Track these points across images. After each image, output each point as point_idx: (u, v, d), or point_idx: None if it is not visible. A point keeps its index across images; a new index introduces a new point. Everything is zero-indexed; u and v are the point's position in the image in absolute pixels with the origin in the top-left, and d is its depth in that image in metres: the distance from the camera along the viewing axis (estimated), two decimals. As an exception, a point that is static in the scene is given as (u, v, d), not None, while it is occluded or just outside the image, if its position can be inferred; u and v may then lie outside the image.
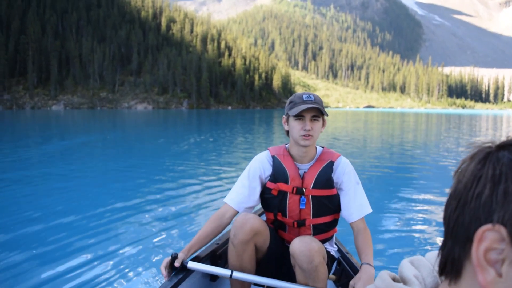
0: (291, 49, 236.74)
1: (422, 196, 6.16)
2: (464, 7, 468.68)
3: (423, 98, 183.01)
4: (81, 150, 13.37)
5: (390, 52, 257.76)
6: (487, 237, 0.42)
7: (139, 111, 77.96)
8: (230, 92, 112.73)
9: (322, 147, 2.39)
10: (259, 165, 2.34)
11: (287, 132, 2.29)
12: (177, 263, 2.03)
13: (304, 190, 2.23)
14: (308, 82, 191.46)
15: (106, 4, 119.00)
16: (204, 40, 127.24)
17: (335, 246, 2.54)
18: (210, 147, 13.39)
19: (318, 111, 2.15)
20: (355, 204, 2.28)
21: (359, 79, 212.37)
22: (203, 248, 2.31)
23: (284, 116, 2.27)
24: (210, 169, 8.74)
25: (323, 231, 2.33)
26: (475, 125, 32.08)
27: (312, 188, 2.23)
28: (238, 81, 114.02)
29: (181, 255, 2.08)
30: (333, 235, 2.45)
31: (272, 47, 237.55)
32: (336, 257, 2.47)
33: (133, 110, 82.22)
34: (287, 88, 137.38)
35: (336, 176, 2.26)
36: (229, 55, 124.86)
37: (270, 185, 2.30)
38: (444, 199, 6.26)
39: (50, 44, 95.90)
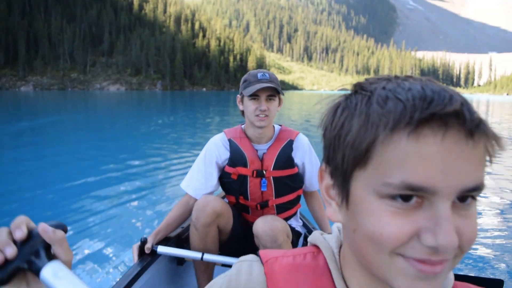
0: (266, 31, 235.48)
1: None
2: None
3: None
4: (50, 130, 13.12)
5: (365, 36, 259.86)
6: (324, 176, 0.51)
7: (112, 92, 76.66)
8: (204, 74, 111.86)
9: (280, 125, 2.32)
10: (215, 149, 2.24)
11: (242, 113, 2.19)
12: (147, 249, 1.98)
13: (264, 172, 2.15)
14: (283, 64, 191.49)
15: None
16: (177, 20, 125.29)
17: (300, 221, 2.49)
18: (180, 129, 13.35)
19: (273, 90, 2.05)
20: (316, 178, 2.23)
21: (334, 62, 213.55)
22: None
23: (238, 95, 2.16)
24: (177, 150, 8.70)
25: (287, 209, 2.29)
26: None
27: (273, 169, 2.14)
28: (213, 62, 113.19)
29: (149, 239, 2.02)
30: (297, 211, 2.41)
31: (247, 28, 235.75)
32: (302, 232, 2.43)
33: (106, 92, 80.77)
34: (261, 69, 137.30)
35: (296, 156, 2.19)
36: (204, 36, 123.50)
37: (229, 169, 2.20)
38: None
39: (17, 23, 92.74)
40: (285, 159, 2.14)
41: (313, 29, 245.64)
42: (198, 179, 2.22)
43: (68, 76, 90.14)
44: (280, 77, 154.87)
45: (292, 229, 2.25)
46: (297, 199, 2.29)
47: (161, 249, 1.99)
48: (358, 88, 0.47)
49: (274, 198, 2.19)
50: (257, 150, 2.18)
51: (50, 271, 0.61)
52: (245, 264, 0.61)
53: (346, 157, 0.47)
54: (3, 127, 13.45)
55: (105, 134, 11.89)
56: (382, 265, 0.48)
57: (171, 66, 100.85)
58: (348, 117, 0.46)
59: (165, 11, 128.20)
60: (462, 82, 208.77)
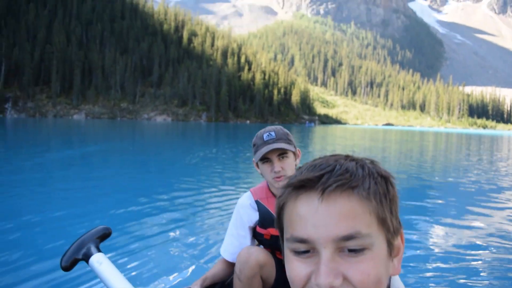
0: (311, 65, 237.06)
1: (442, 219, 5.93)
2: (486, 26, 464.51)
3: (443, 117, 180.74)
4: (98, 156, 13.56)
5: (410, 70, 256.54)
6: None
7: (158, 122, 78.67)
8: (248, 106, 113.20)
9: None
10: (244, 213, 2.26)
11: (262, 175, 2.20)
12: None
13: None
14: (327, 98, 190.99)
15: (130, 16, 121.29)
16: (224, 54, 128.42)
17: None
18: (221, 162, 13.32)
19: (283, 149, 2.05)
20: None
21: (378, 96, 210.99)
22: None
23: (253, 159, 2.17)
24: (218, 185, 8.64)
25: None
26: (496, 146, 31.48)
27: None
28: (257, 95, 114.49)
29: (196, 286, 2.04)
30: None
31: (292, 62, 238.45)
32: None
33: (153, 122, 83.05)
34: (305, 103, 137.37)
35: None
36: (249, 69, 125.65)
37: (261, 230, 2.23)
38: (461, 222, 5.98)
39: (74, 54, 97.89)
40: None
41: (357, 63, 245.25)
42: (232, 243, 2.25)
43: (118, 106, 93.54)
44: (323, 111, 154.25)
45: None
46: None
47: None
48: None
49: None
50: None
51: (96, 259, 1.15)
52: None
53: (277, 225, 0.73)
54: (57, 152, 13.96)
55: (149, 163, 12.08)
56: None
57: (217, 98, 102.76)
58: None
59: (212, 45, 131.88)
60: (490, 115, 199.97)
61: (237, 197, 6.49)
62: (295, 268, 0.65)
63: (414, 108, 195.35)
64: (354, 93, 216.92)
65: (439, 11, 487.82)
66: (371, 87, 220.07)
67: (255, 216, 2.24)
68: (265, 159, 2.09)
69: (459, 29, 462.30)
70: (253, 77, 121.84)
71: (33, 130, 34.14)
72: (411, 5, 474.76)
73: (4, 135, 25.38)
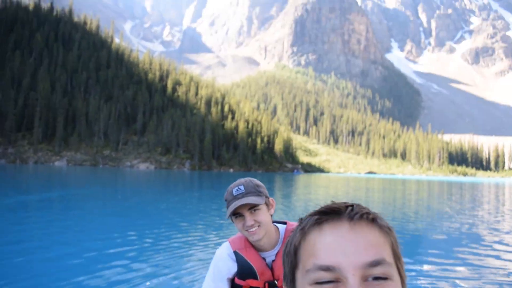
0: (293, 114, 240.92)
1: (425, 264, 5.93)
2: (461, 76, 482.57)
3: (424, 165, 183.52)
4: (74, 202, 13.48)
5: (390, 119, 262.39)
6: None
7: (141, 170, 78.09)
8: (232, 155, 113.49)
9: (285, 223, 2.28)
10: (223, 264, 2.20)
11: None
12: None
13: (276, 282, 2.09)
14: (309, 146, 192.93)
15: (115, 65, 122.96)
16: (208, 103, 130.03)
17: None
18: (204, 209, 13.34)
19: (253, 204, 2.03)
20: None
21: (360, 144, 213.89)
22: None
23: (227, 216, 2.15)
24: (201, 229, 8.69)
25: None
26: (476, 193, 32.05)
27: None
28: (241, 144, 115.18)
29: None
30: None
31: (275, 111, 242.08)
32: None
33: (135, 169, 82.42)
34: (288, 152, 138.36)
35: None
36: (232, 118, 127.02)
37: (239, 281, 2.17)
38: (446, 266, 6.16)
39: (58, 101, 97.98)
40: None
41: (339, 112, 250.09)
42: None
43: (101, 153, 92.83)
44: (306, 159, 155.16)
45: None
46: None
47: None
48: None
49: None
50: (265, 259, 2.12)
51: None
52: None
53: (288, 265, 0.73)
54: (35, 196, 13.87)
55: (129, 208, 12.06)
56: None
57: (200, 146, 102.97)
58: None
59: (196, 94, 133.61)
60: (492, 165, 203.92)
61: (215, 247, 6.53)
62: None
63: (395, 156, 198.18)
64: (336, 141, 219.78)
65: (415, 62, 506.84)
66: (353, 135, 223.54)
67: (233, 267, 2.18)
68: (236, 214, 2.06)
69: (435, 79, 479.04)
70: (237, 126, 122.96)
71: (13, 176, 33.60)
72: (388, 56, 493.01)
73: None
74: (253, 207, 2.05)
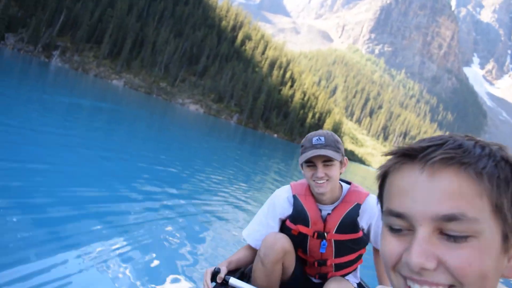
0: (351, 99, 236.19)
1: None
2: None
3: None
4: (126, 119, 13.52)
5: (447, 133, 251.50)
6: None
7: (190, 110, 79.32)
8: (280, 121, 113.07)
9: (349, 183, 2.26)
10: (279, 204, 2.24)
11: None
12: (219, 278, 1.98)
13: (326, 234, 2.11)
14: (357, 135, 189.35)
15: (193, 4, 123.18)
16: (272, 64, 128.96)
17: (358, 277, 2.41)
18: (247, 168, 13.11)
19: (330, 157, 2.01)
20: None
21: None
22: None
23: (299, 162, 2.12)
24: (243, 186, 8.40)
25: (346, 267, 2.25)
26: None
27: (335, 232, 2.10)
28: (292, 113, 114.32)
29: (223, 269, 2.01)
30: (357, 267, 2.35)
31: (334, 91, 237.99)
32: None
33: (185, 108, 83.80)
34: (336, 134, 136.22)
35: (363, 220, 2.13)
36: (291, 86, 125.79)
37: (290, 224, 2.19)
38: None
39: (131, 24, 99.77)
40: (350, 223, 2.10)
41: (397, 111, 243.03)
42: (259, 230, 2.25)
43: (157, 84, 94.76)
44: (351, 147, 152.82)
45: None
46: (358, 257, 2.27)
47: (232, 281, 1.97)
48: None
49: (333, 258, 2.17)
50: (321, 210, 2.15)
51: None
52: None
53: (380, 200, 0.69)
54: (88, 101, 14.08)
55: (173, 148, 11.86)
56: (392, 282, 0.61)
57: (252, 104, 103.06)
58: None
59: (263, 53, 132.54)
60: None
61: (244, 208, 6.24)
62: (388, 244, 0.61)
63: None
64: (385, 138, 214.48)
65: (491, 83, 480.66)
66: (404, 137, 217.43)
67: (288, 210, 2.22)
68: (309, 162, 2.05)
69: (507, 106, 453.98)
70: (293, 95, 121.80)
71: (76, 81, 34.77)
72: (465, 69, 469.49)
73: (48, 78, 25.94)
74: (327, 160, 2.03)
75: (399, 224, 0.60)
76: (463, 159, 0.56)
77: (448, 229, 0.55)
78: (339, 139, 2.15)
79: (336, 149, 2.06)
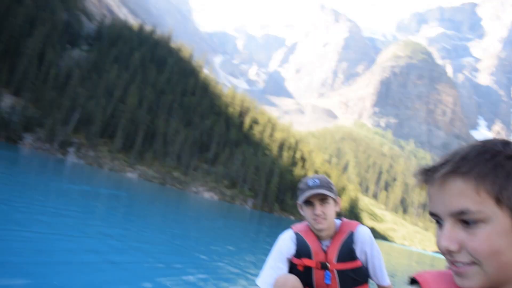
0: (364, 174, 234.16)
1: None
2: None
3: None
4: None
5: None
6: None
7: (204, 198, 78.08)
8: (295, 203, 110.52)
9: (340, 219, 2.51)
10: (284, 244, 2.42)
11: (305, 217, 2.45)
12: None
13: (328, 265, 2.32)
14: (376, 211, 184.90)
15: (200, 94, 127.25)
16: (281, 146, 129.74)
17: None
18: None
19: (325, 195, 2.32)
20: (382, 271, 2.40)
21: (431, 221, 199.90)
22: None
23: (298, 202, 2.45)
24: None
25: None
26: None
27: (336, 262, 2.32)
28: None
29: None
30: None
31: (346, 168, 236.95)
32: None
33: (199, 196, 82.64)
34: (353, 212, 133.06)
35: (358, 247, 2.37)
36: (303, 166, 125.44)
37: (296, 260, 2.40)
38: None
39: (142, 117, 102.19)
40: (348, 251, 2.33)
41: (412, 182, 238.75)
42: (271, 275, 2.37)
43: (170, 174, 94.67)
44: (371, 223, 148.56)
45: None
46: None
47: None
48: None
49: None
50: (321, 243, 2.40)
51: None
52: None
53: None
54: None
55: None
56: (449, 266, 0.89)
57: (266, 188, 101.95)
58: None
59: (271, 135, 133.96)
60: None
61: None
62: (436, 235, 0.89)
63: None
64: (405, 211, 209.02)
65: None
66: (424, 209, 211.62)
67: (292, 249, 2.43)
68: (308, 202, 2.35)
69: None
70: (305, 175, 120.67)
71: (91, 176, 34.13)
72: (473, 133, 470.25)
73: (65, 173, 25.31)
74: (323, 199, 2.32)
75: (436, 219, 0.89)
76: (463, 169, 0.81)
77: (464, 218, 0.81)
78: (331, 181, 2.45)
79: (330, 189, 2.35)
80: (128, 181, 50.78)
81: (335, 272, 2.28)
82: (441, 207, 0.85)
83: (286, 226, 44.83)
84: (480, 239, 0.78)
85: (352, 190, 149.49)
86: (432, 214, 0.90)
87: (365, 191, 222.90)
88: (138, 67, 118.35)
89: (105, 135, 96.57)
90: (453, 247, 0.81)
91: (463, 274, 0.81)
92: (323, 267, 2.28)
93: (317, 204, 2.27)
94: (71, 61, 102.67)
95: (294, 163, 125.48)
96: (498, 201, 0.78)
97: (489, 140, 0.86)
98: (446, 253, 0.84)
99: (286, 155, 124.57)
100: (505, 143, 0.84)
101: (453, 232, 0.83)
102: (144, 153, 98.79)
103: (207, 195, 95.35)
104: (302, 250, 2.36)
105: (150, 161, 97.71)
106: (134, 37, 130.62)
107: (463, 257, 0.81)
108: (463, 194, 0.80)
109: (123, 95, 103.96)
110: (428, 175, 0.91)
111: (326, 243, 2.37)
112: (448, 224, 0.84)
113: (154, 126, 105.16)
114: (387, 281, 2.37)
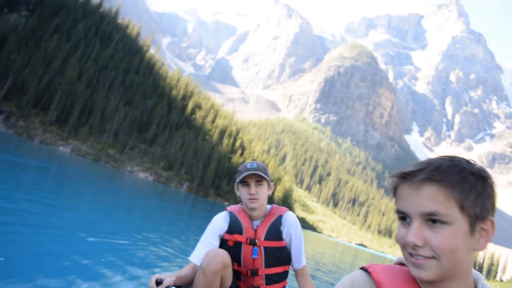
0: (300, 167, 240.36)
1: None
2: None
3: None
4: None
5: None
6: None
7: (139, 178, 77.56)
8: (231, 189, 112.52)
9: (271, 205, 2.79)
10: (217, 222, 2.66)
11: (240, 198, 2.71)
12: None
13: (256, 241, 2.56)
14: (308, 202, 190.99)
15: (144, 73, 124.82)
16: (222, 133, 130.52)
17: None
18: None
19: (260, 177, 2.58)
20: (301, 253, 2.64)
21: (358, 215, 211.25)
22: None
23: (235, 183, 2.69)
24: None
25: (275, 282, 2.61)
26: None
27: (264, 239, 2.56)
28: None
29: (167, 281, 2.24)
30: (284, 287, 2.71)
31: (283, 159, 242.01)
32: None
33: (134, 176, 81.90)
34: (286, 202, 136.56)
35: (284, 229, 2.62)
36: (241, 154, 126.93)
37: (227, 236, 2.61)
38: None
39: (81, 91, 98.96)
40: (275, 231, 2.59)
41: (345, 177, 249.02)
42: (202, 250, 2.57)
43: (106, 151, 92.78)
44: (302, 214, 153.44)
45: None
46: (284, 274, 2.69)
47: None
48: None
49: (263, 268, 2.57)
50: (252, 222, 2.66)
51: None
52: None
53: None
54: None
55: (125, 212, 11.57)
56: (404, 256, 1.04)
57: (203, 172, 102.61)
58: None
59: (213, 121, 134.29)
60: (484, 272, 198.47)
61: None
62: (399, 230, 1.02)
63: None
64: (335, 205, 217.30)
65: (431, 150, 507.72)
66: (353, 204, 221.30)
67: (225, 226, 2.66)
68: (245, 182, 2.60)
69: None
70: (243, 163, 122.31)
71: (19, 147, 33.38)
72: (406, 137, 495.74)
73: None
74: (259, 181, 2.58)
75: (403, 217, 1.02)
76: (437, 177, 0.96)
77: (435, 222, 0.94)
78: (267, 167, 2.74)
79: (265, 173, 2.61)
80: (59, 155, 49.70)
81: (262, 248, 2.55)
82: (413, 207, 0.98)
83: (220, 209, 45.69)
84: (443, 238, 0.92)
85: (287, 181, 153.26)
86: (400, 212, 1.03)
87: (300, 183, 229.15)
88: (80, 39, 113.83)
89: (39, 106, 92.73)
90: (419, 242, 0.94)
91: (421, 265, 0.95)
92: (252, 242, 2.54)
93: (253, 185, 2.56)
94: (7, 25, 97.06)
95: (233, 151, 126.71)
96: (462, 208, 0.94)
97: (455, 157, 1.01)
98: (411, 246, 0.96)
99: (226, 142, 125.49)
100: (468, 161, 1.01)
101: (420, 230, 0.96)
102: (80, 128, 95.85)
103: (142, 175, 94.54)
104: (234, 226, 2.61)
105: (85, 137, 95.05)
106: (79, 8, 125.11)
107: (425, 252, 0.94)
108: (436, 199, 0.94)
109: (62, 67, 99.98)
110: (406, 178, 1.02)
111: (256, 223, 2.65)
112: (417, 222, 0.96)
113: (92, 101, 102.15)
114: (303, 262, 2.65)
